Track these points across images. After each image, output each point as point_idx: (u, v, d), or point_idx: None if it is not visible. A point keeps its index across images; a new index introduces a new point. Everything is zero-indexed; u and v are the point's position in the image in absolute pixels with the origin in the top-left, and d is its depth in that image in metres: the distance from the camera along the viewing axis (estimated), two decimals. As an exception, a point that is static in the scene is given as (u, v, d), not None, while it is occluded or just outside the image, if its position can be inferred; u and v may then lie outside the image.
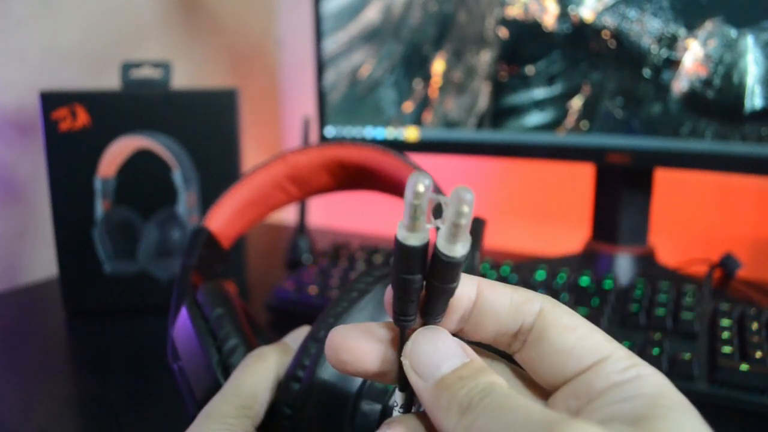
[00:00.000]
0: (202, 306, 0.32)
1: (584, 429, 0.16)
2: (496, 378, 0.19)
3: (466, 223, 0.18)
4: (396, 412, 0.22)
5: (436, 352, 0.20)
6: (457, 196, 0.17)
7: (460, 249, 0.18)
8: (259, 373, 0.28)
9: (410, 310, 0.20)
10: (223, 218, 0.39)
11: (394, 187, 0.38)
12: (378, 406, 0.27)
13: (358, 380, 0.26)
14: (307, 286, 0.60)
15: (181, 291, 0.34)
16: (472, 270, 0.33)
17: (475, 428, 0.17)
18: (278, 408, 0.27)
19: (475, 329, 0.21)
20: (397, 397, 0.22)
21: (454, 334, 0.21)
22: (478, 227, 0.34)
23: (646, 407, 0.17)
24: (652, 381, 0.18)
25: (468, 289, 0.20)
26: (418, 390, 0.20)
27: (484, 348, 0.22)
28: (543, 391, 0.21)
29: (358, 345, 0.21)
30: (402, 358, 0.20)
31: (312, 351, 0.27)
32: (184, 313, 0.32)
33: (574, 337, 0.19)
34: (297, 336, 0.31)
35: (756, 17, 0.50)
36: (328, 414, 0.26)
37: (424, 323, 0.21)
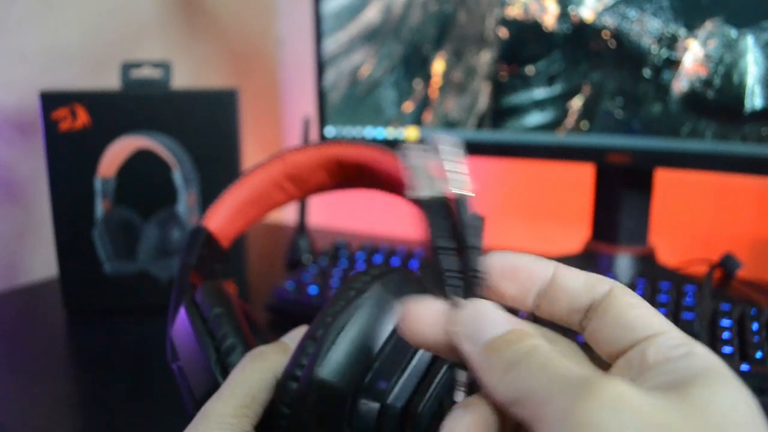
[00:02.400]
0: (200, 306, 0.32)
1: (617, 385, 0.17)
2: (541, 342, 0.20)
3: (451, 160, 0.22)
4: (458, 392, 0.23)
5: (486, 320, 0.21)
6: (436, 142, 0.22)
7: (456, 186, 0.22)
8: (257, 372, 0.28)
9: (451, 263, 0.22)
10: (222, 218, 0.39)
11: (392, 184, 0.38)
12: (376, 405, 0.27)
13: (356, 379, 0.26)
14: (307, 286, 0.60)
15: (179, 291, 0.34)
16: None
17: (517, 384, 0.19)
18: (276, 407, 0.27)
19: (551, 305, 0.23)
20: (460, 376, 0.23)
21: (532, 316, 0.23)
22: (477, 224, 0.34)
23: (691, 377, 0.18)
24: (705, 358, 0.19)
25: (545, 266, 0.23)
26: (468, 354, 0.21)
27: (555, 329, 0.23)
28: (603, 367, 0.22)
29: (426, 317, 0.22)
30: (453, 327, 0.21)
31: (309, 350, 0.27)
32: (182, 313, 0.32)
33: (635, 313, 0.21)
34: (295, 335, 0.31)
35: (756, 17, 0.50)
36: (327, 413, 0.26)
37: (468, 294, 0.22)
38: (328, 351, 0.26)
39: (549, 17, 0.60)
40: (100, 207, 0.61)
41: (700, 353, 0.19)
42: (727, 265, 0.58)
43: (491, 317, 0.21)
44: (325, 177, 0.40)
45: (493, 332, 0.20)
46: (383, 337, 0.27)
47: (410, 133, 0.70)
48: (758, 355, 0.44)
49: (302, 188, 0.41)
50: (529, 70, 0.62)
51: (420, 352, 0.28)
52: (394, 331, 0.27)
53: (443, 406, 0.29)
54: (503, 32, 0.62)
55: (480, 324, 0.21)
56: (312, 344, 0.27)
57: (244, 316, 0.33)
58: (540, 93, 0.62)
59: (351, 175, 0.40)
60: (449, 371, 0.28)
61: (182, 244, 0.38)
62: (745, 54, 0.51)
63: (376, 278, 0.29)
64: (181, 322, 0.32)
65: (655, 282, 0.56)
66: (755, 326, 0.47)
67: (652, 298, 0.53)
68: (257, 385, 0.28)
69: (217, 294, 0.33)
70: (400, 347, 0.28)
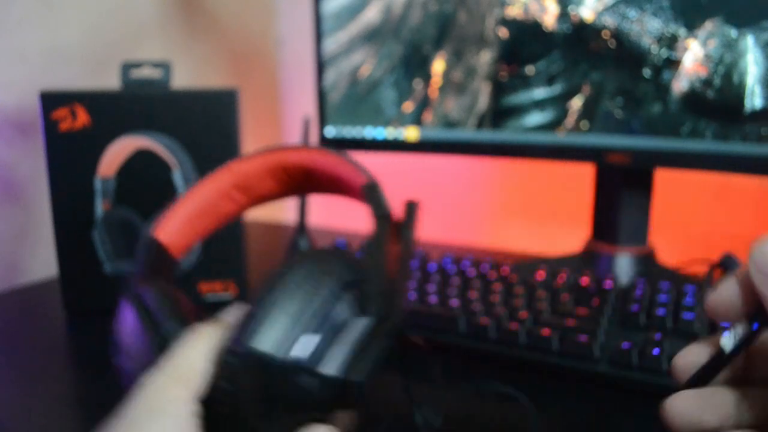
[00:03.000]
0: (145, 300, 0.33)
1: None
2: None
3: None
4: (728, 336, 0.25)
5: None
6: None
7: None
8: (197, 345, 0.28)
9: None
10: (173, 229, 0.39)
11: (338, 186, 0.38)
12: (314, 376, 0.27)
13: (294, 352, 0.27)
14: (307, 286, 0.60)
15: (127, 294, 0.35)
16: (407, 250, 0.33)
17: None
18: (218, 383, 0.28)
19: None
20: (737, 329, 0.25)
21: None
22: (411, 210, 0.34)
23: None
24: None
25: None
26: (764, 288, 0.23)
27: None
28: None
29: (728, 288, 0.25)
30: (758, 267, 0.23)
31: (247, 325, 0.27)
32: (126, 306, 0.33)
33: None
34: (234, 313, 0.31)
35: (756, 17, 0.50)
36: (265, 385, 0.27)
37: None
38: (265, 325, 0.27)
39: (549, 17, 0.60)
40: (100, 207, 0.61)
41: None
42: (727, 265, 0.58)
43: None
44: (273, 184, 0.40)
45: None
46: (318, 310, 0.28)
47: (410, 133, 0.70)
48: (758, 355, 0.44)
49: (252, 197, 0.41)
50: (529, 70, 0.62)
51: (359, 324, 0.29)
52: (328, 304, 0.28)
53: (379, 375, 0.30)
54: (503, 32, 0.62)
55: None
56: (249, 320, 0.28)
57: (192, 312, 0.34)
58: (540, 93, 0.62)
59: (298, 180, 0.40)
60: (386, 341, 0.29)
61: (135, 254, 0.38)
62: (745, 54, 0.51)
63: (309, 257, 0.29)
64: (126, 315, 0.33)
65: (655, 282, 0.56)
66: (755, 326, 0.47)
67: (652, 298, 0.53)
68: (198, 357, 0.28)
69: (162, 290, 0.33)
70: (336, 319, 0.28)
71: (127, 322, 0.32)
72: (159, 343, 0.30)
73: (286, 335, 0.27)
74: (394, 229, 0.34)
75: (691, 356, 0.26)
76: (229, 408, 0.27)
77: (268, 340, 0.27)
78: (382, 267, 0.31)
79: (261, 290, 0.28)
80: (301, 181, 0.40)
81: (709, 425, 0.25)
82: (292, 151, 0.39)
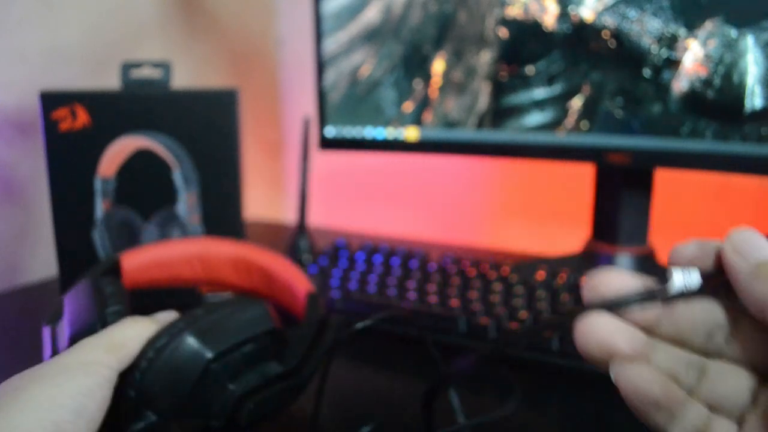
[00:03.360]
0: (101, 284, 0.36)
1: None
2: None
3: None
4: (679, 276, 0.25)
5: (759, 243, 0.24)
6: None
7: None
8: (135, 327, 0.31)
9: None
10: (135, 262, 0.42)
11: (286, 291, 0.42)
12: (219, 385, 0.31)
13: (215, 355, 0.30)
14: (307, 286, 0.60)
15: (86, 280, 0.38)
16: (326, 341, 0.37)
17: None
18: (142, 356, 0.30)
19: None
20: (689, 274, 0.25)
21: None
22: (335, 330, 0.39)
23: None
24: None
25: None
26: (737, 266, 0.24)
27: None
28: None
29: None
30: (727, 243, 0.24)
31: (188, 318, 0.31)
32: (86, 282, 0.36)
33: None
34: (165, 316, 0.34)
35: (756, 17, 0.50)
36: (176, 371, 0.30)
37: None
38: (205, 323, 0.31)
39: (549, 17, 0.60)
40: (100, 207, 0.61)
41: None
42: (727, 265, 0.58)
43: (764, 243, 0.24)
44: (232, 273, 0.44)
45: (765, 254, 0.23)
46: (248, 336, 0.32)
47: (410, 133, 0.70)
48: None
49: (209, 275, 0.45)
50: (529, 70, 0.62)
51: (275, 366, 0.33)
52: (257, 336, 0.32)
53: (267, 414, 0.34)
54: (503, 32, 0.62)
55: (753, 244, 0.24)
56: (190, 316, 0.31)
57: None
58: (540, 93, 0.62)
59: (256, 278, 0.44)
60: (290, 390, 0.34)
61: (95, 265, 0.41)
62: (745, 54, 0.51)
63: (260, 301, 0.34)
64: (80, 288, 0.35)
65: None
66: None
67: (652, 298, 0.53)
68: (132, 337, 0.30)
69: (117, 285, 0.37)
70: (261, 351, 0.33)
71: (80, 296, 0.35)
72: (102, 321, 0.33)
73: (215, 340, 0.31)
74: (323, 329, 0.39)
75: (613, 281, 0.25)
76: (137, 382, 0.29)
77: (200, 334, 0.30)
78: (306, 340, 0.36)
79: (210, 304, 0.32)
80: (258, 281, 0.44)
81: (621, 353, 0.24)
82: (259, 252, 0.44)
